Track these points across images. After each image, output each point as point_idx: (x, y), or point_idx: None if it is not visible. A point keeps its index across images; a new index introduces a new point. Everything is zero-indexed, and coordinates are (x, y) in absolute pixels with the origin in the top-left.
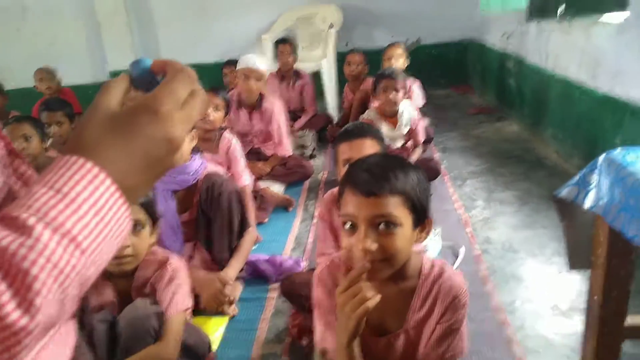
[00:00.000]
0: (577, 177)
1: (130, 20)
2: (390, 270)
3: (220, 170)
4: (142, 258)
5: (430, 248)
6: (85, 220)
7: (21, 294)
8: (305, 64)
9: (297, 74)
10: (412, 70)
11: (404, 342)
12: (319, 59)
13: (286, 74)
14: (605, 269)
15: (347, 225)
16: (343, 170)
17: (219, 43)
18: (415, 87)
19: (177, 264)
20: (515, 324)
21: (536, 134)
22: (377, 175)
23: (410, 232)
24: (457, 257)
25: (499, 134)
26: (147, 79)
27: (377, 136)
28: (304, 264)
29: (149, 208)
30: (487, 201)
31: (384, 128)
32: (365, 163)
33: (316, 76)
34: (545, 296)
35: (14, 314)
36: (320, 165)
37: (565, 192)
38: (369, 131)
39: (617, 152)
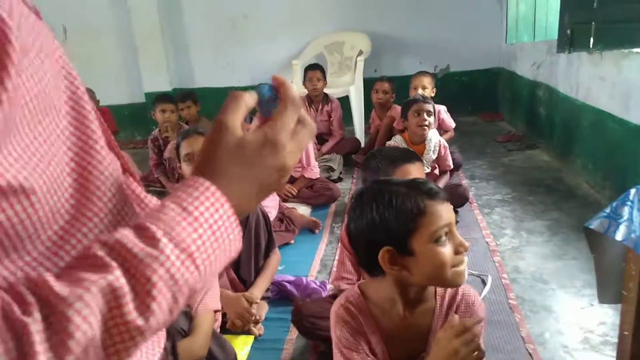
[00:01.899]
0: (608, 209)
1: (166, 44)
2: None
3: None
4: None
5: None
6: (204, 238)
7: (141, 297)
8: (333, 90)
9: (327, 99)
10: (441, 97)
11: None
12: (347, 84)
13: (315, 99)
14: (636, 303)
15: (444, 237)
16: None
17: (251, 67)
18: (443, 112)
19: None
20: (544, 357)
21: (566, 163)
22: (433, 186)
23: None
24: (485, 285)
25: (528, 163)
26: (272, 104)
27: (421, 161)
28: (329, 287)
29: None
30: (516, 230)
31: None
32: (408, 182)
33: (344, 101)
34: (576, 329)
35: (133, 314)
36: (346, 188)
37: (596, 223)
38: (416, 156)
39: None
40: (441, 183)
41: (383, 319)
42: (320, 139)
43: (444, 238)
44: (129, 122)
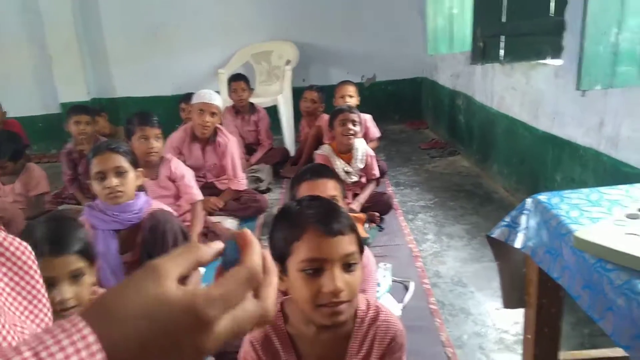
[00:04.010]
0: (508, 219)
1: (83, 53)
2: (351, 311)
3: (166, 206)
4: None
5: (381, 284)
6: None
7: None
8: (262, 99)
9: (253, 108)
10: (368, 106)
11: None
12: (275, 94)
13: (241, 109)
14: (536, 307)
15: (309, 270)
16: None
17: (175, 77)
18: (369, 121)
19: None
20: (462, 359)
21: (484, 169)
22: (334, 214)
23: (360, 269)
24: (407, 291)
25: (450, 169)
26: (235, 264)
27: (338, 178)
28: None
29: (87, 252)
30: (437, 235)
31: (338, 163)
32: (314, 204)
33: (273, 111)
34: (492, 330)
35: None
36: (275, 199)
37: (497, 232)
38: (332, 173)
39: (543, 195)
40: (368, 191)
41: (299, 340)
42: (249, 149)
43: (310, 271)
44: (42, 135)
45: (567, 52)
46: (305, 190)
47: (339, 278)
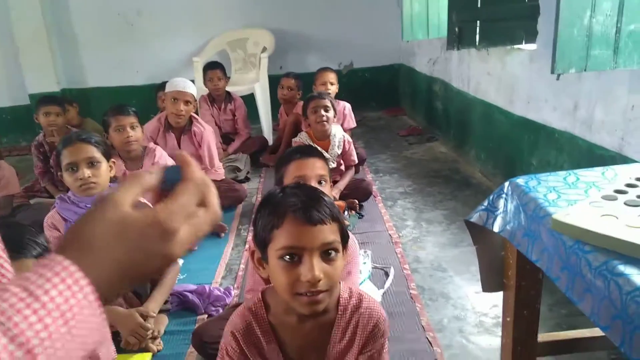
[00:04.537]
0: (486, 202)
1: (52, 43)
2: (329, 300)
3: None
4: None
5: (362, 270)
6: (51, 329)
7: None
8: (238, 87)
9: (229, 97)
10: (345, 93)
11: None
12: (252, 82)
13: (218, 98)
14: (515, 290)
15: (288, 258)
16: None
17: (150, 66)
18: (347, 110)
19: None
20: (443, 342)
21: (462, 154)
22: (316, 203)
23: (342, 258)
24: (387, 277)
25: (428, 155)
26: (175, 184)
27: (325, 159)
28: (234, 293)
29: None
30: (416, 221)
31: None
32: (295, 191)
33: (250, 99)
34: (471, 313)
35: None
36: (254, 188)
37: (475, 216)
38: (320, 153)
39: (521, 179)
40: (347, 178)
41: (280, 329)
42: (226, 139)
43: (288, 258)
44: (11, 127)
45: (542, 37)
46: (294, 169)
47: (317, 267)
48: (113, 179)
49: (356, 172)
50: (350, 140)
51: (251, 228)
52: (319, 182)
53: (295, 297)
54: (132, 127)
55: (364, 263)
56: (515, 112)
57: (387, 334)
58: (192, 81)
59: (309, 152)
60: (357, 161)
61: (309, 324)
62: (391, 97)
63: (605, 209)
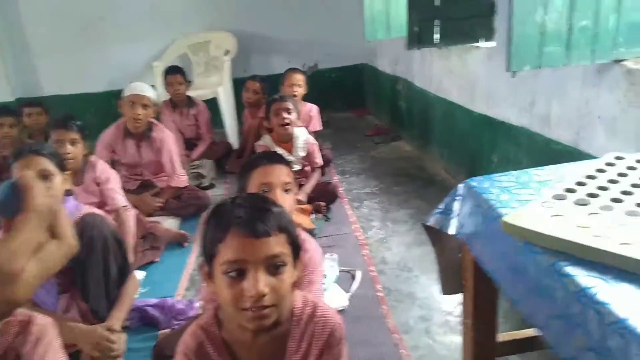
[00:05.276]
0: (442, 206)
1: (4, 52)
2: (276, 315)
3: (98, 210)
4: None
5: (328, 274)
6: None
7: None
8: (201, 91)
9: (191, 102)
10: (311, 94)
11: None
12: (215, 85)
13: (179, 103)
14: (473, 292)
15: (232, 273)
16: None
17: (108, 72)
18: (314, 112)
19: (42, 321)
20: (410, 344)
21: (426, 152)
22: (262, 214)
23: (292, 270)
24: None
25: (394, 154)
26: (16, 205)
27: (291, 166)
28: (197, 305)
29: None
30: (382, 221)
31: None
32: (241, 203)
33: (214, 103)
34: (437, 313)
35: None
36: (220, 194)
37: (432, 220)
38: (285, 160)
39: (475, 180)
40: (312, 181)
41: (235, 345)
42: (189, 145)
43: (232, 273)
44: None
45: (499, 35)
46: (258, 176)
47: (262, 281)
48: (68, 192)
49: (323, 174)
50: (315, 142)
51: None
52: (285, 191)
53: (241, 312)
54: (72, 143)
55: (331, 266)
56: (475, 110)
57: (343, 341)
58: (153, 86)
59: (274, 158)
60: (322, 163)
61: (264, 337)
62: (356, 98)
63: (555, 208)
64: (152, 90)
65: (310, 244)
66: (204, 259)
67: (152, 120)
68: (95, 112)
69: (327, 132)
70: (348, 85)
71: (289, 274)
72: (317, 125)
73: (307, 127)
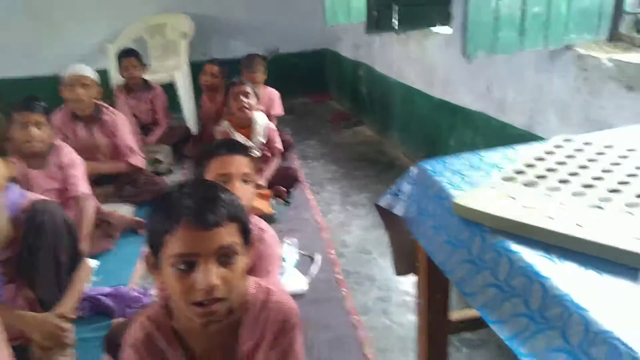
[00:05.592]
0: (394, 187)
1: None
2: (228, 305)
3: (50, 196)
4: None
5: (287, 259)
6: None
7: None
8: (158, 75)
9: (147, 86)
10: (272, 79)
11: None
12: (172, 69)
13: (134, 87)
14: (426, 273)
15: (182, 266)
16: None
17: (58, 54)
18: (276, 97)
19: None
20: (368, 325)
21: (386, 137)
22: (212, 204)
23: (244, 259)
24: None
25: (355, 139)
26: None
27: (251, 156)
28: (153, 293)
29: None
30: (342, 205)
31: (238, 139)
32: (189, 192)
33: (171, 87)
34: (395, 294)
35: None
36: (177, 180)
37: (383, 201)
38: (245, 149)
39: (428, 163)
40: (272, 166)
41: (186, 334)
42: (145, 130)
43: (182, 266)
44: None
45: (456, 21)
46: (216, 166)
47: (213, 273)
48: (12, 179)
49: (283, 159)
50: (275, 128)
51: None
52: (244, 182)
53: (190, 306)
54: (37, 126)
55: (291, 251)
56: (434, 95)
57: (298, 327)
58: (106, 70)
59: (234, 148)
60: (282, 148)
61: (215, 326)
62: (318, 83)
63: (505, 190)
64: (93, 70)
65: (267, 233)
66: (150, 249)
67: (101, 103)
68: (43, 97)
69: (289, 117)
70: (310, 70)
71: (240, 263)
72: (278, 109)
73: (268, 111)
